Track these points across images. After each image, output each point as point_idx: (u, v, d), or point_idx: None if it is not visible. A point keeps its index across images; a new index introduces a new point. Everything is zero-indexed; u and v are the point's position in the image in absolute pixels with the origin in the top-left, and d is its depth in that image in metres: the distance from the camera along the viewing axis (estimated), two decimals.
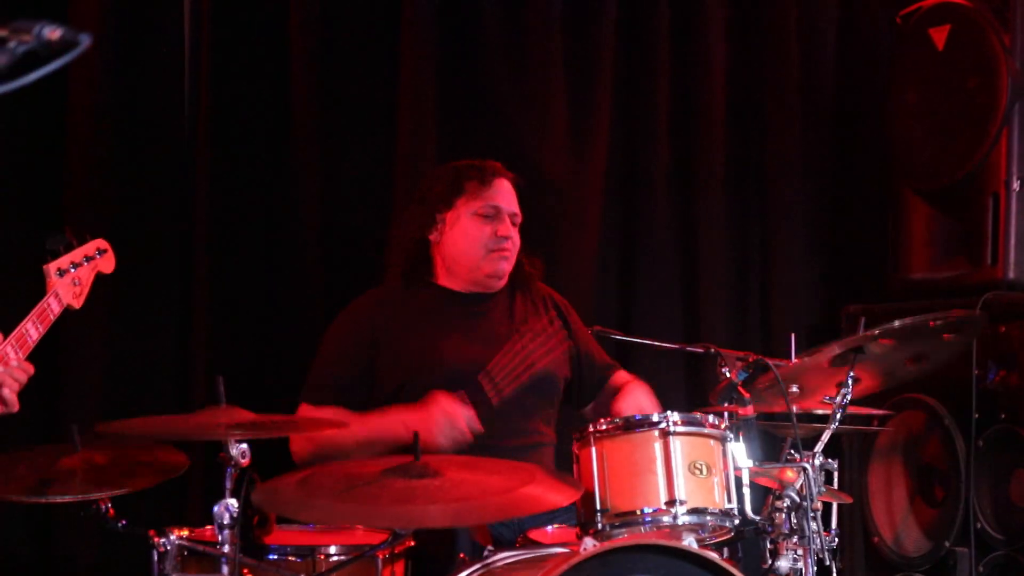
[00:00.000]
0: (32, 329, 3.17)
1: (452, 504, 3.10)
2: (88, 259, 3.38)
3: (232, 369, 3.84)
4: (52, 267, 3.29)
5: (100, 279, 3.50)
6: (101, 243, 3.42)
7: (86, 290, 3.36)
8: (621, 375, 4.28)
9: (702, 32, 5.06)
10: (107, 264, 3.44)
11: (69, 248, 3.34)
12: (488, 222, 4.11)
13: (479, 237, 4.10)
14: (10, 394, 3.10)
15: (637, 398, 4.09)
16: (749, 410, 3.59)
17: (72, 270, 3.32)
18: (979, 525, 4.63)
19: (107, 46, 4.24)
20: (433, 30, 4.71)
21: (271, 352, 4.50)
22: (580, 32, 4.93)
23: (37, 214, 4.25)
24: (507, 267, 4.11)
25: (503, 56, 4.82)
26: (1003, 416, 4.59)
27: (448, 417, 3.79)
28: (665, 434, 3.43)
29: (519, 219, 4.16)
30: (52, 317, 3.23)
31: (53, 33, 1.80)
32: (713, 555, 3.31)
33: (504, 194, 4.14)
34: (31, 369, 3.15)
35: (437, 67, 4.72)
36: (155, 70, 4.39)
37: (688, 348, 4.05)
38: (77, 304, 3.33)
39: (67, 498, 3.33)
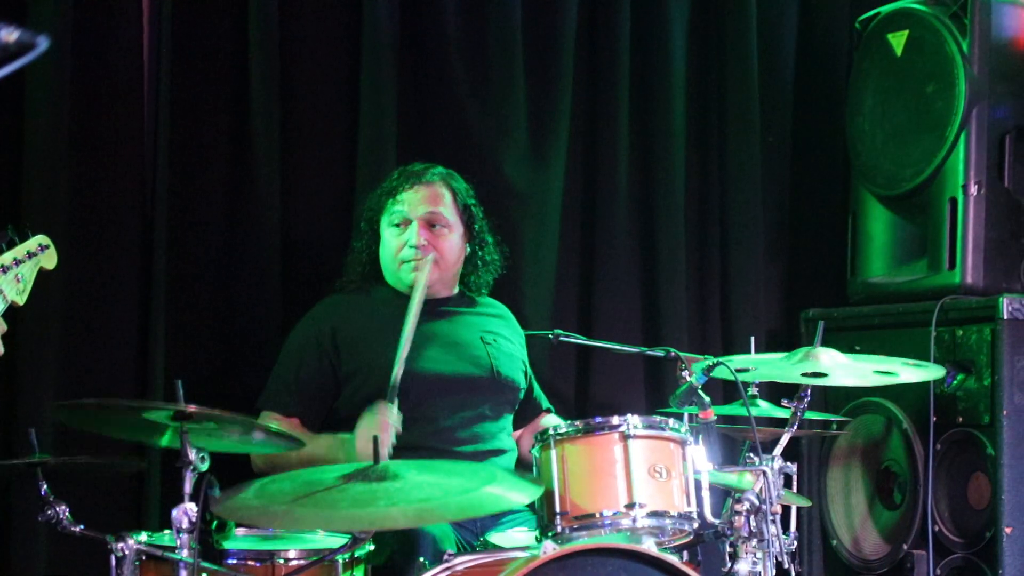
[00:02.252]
0: None
1: (413, 505, 3.09)
2: (31, 255, 3.35)
3: (191, 372, 3.84)
4: None
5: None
6: (43, 239, 3.39)
7: (29, 286, 3.34)
8: (550, 419, 4.30)
9: (662, 39, 5.08)
10: (49, 260, 3.41)
11: (12, 245, 3.31)
12: (398, 232, 4.11)
13: (389, 248, 4.11)
14: None
15: None
16: (709, 413, 3.61)
17: (15, 266, 3.28)
18: (936, 528, 4.66)
19: (64, 43, 4.20)
20: (394, 29, 4.70)
21: (230, 355, 4.48)
22: (541, 37, 4.93)
23: None
24: (420, 276, 4.05)
25: (464, 59, 4.82)
26: (960, 420, 4.62)
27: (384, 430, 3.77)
28: (625, 437, 3.44)
29: (443, 220, 4.13)
30: None
31: (10, 36, 1.79)
32: (673, 559, 3.31)
33: (416, 201, 4.12)
34: None
35: (398, 68, 4.71)
36: (114, 67, 4.36)
37: (649, 352, 4.07)
38: (20, 301, 3.30)
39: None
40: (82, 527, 3.35)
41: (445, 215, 4.15)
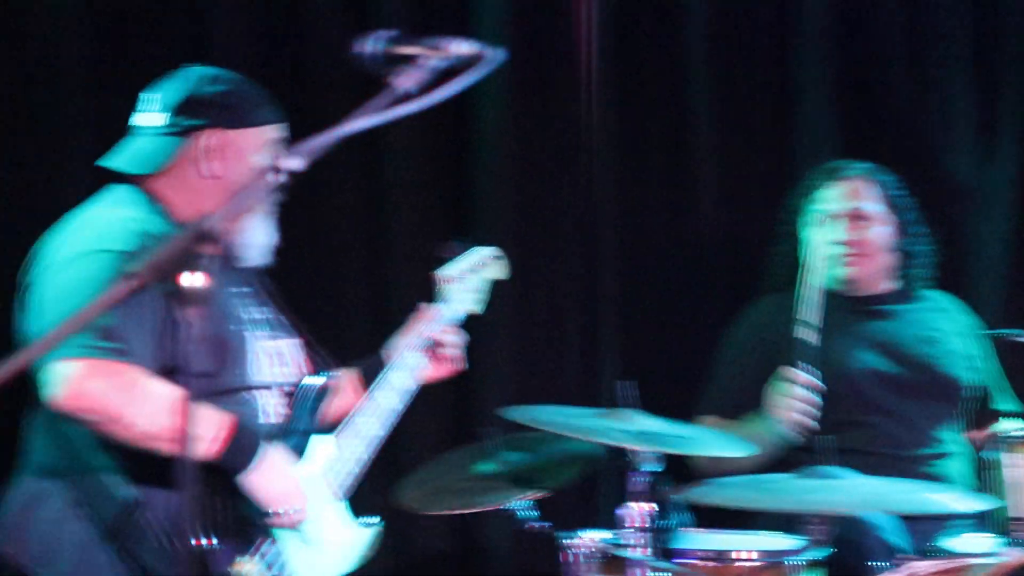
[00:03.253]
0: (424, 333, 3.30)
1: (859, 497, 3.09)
2: (482, 265, 3.47)
3: (639, 376, 3.88)
4: (443, 274, 3.39)
5: (504, 286, 3.60)
6: (494, 250, 3.51)
7: (482, 295, 3.46)
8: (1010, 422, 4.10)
9: None
10: (499, 270, 3.53)
11: (459, 255, 3.44)
12: (824, 229, 4.03)
13: (816, 245, 4.02)
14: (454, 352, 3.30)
15: None
16: None
17: (467, 277, 3.42)
18: None
19: (511, 57, 4.34)
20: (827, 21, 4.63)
21: (676, 359, 4.51)
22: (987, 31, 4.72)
23: (439, 223, 4.41)
24: (854, 272, 4.01)
25: (905, 51, 4.68)
26: None
27: None
28: None
29: (867, 214, 4.05)
30: (443, 323, 3.33)
31: (468, 49, 1.86)
32: None
33: (839, 197, 4.04)
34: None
35: (832, 63, 4.63)
36: (552, 76, 4.48)
37: None
38: (478, 310, 3.43)
39: (490, 506, 3.42)
40: (536, 523, 3.44)
41: (869, 209, 4.05)
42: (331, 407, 3.15)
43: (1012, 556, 3.17)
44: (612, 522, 3.36)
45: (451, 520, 4.30)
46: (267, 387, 3.01)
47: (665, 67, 4.60)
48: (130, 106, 3.04)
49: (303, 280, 4.20)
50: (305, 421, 3.05)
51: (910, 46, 4.69)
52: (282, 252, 4.08)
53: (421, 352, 3.28)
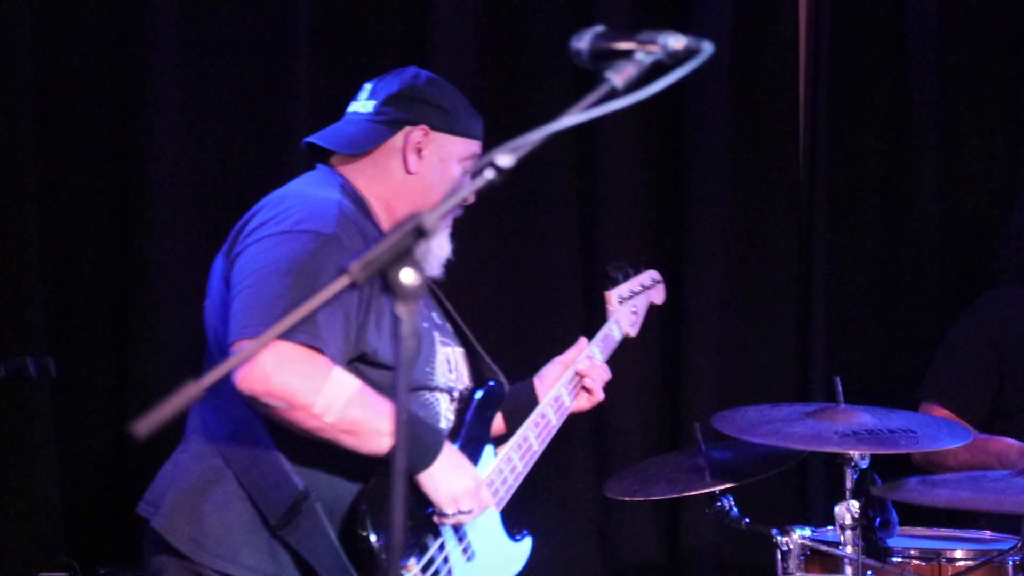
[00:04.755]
0: (598, 353, 3.27)
1: None
2: (644, 288, 3.45)
3: (850, 370, 3.83)
4: (613, 294, 3.38)
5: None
6: (655, 274, 3.48)
7: (641, 319, 3.43)
8: None
9: None
10: (659, 295, 3.50)
11: (628, 276, 3.41)
12: None
13: None
14: (595, 386, 3.20)
15: None
16: None
17: (631, 298, 3.39)
18: None
19: (723, 48, 4.31)
20: None
21: (889, 350, 4.44)
22: None
23: (651, 222, 4.40)
24: None
25: None
26: None
27: None
28: None
29: None
30: (613, 344, 3.31)
31: (678, 43, 1.86)
32: None
33: None
34: (608, 374, 3.25)
35: None
36: (770, 70, 4.44)
37: None
38: (633, 332, 3.39)
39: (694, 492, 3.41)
40: (747, 520, 3.42)
41: None
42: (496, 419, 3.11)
43: None
44: (823, 518, 3.33)
45: (658, 516, 4.30)
46: (446, 391, 2.97)
47: (884, 57, 4.52)
48: (349, 96, 3.07)
49: (510, 276, 4.25)
50: (477, 429, 2.99)
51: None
52: (492, 248, 4.16)
53: (577, 385, 3.19)
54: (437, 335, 2.98)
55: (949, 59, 4.52)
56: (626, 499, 3.54)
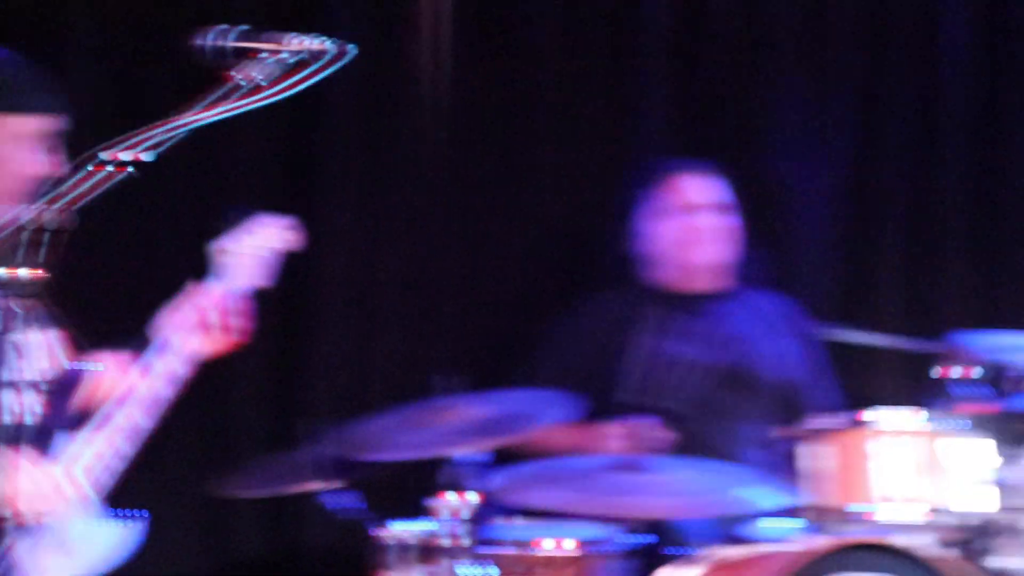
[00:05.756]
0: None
1: (672, 497, 3.14)
2: (260, 237, 3.21)
3: (469, 364, 3.90)
4: (219, 246, 3.19)
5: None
6: (277, 219, 3.31)
7: (265, 267, 3.26)
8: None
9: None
10: (283, 239, 3.28)
11: (238, 226, 3.21)
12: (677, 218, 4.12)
13: (662, 235, 4.11)
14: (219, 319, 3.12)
15: None
16: (989, 407, 3.53)
17: (242, 248, 3.17)
18: None
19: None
20: None
21: (508, 349, 4.54)
22: None
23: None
24: (700, 262, 4.11)
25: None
26: None
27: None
28: (886, 432, 3.41)
29: (713, 207, 4.14)
30: (217, 296, 3.14)
31: (311, 45, 1.85)
32: (943, 553, 3.27)
33: (687, 188, 4.14)
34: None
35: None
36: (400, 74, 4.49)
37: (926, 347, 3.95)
38: (258, 282, 3.22)
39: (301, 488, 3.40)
40: (349, 512, 3.42)
41: (714, 201, 4.16)
42: (91, 398, 2.99)
43: (810, 542, 3.29)
44: (427, 512, 3.39)
45: (267, 512, 4.27)
46: (12, 384, 2.85)
47: (512, 62, 4.61)
48: None
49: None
50: (50, 419, 2.89)
51: (743, 47, 4.79)
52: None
53: (190, 331, 3.05)
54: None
55: (562, 60, 4.64)
56: (237, 494, 3.50)
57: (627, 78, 4.66)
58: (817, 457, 3.47)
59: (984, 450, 3.47)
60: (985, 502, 3.46)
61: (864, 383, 4.67)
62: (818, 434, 3.48)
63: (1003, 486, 3.48)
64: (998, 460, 3.48)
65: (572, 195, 4.61)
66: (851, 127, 4.81)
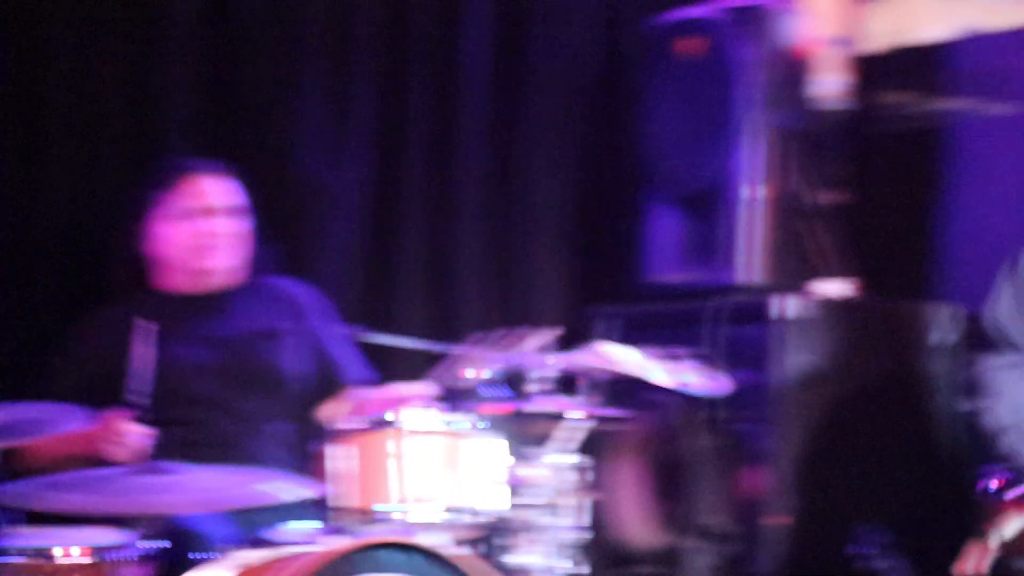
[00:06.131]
0: None
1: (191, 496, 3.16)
2: None
3: None
4: None
5: None
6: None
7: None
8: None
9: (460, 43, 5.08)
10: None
11: None
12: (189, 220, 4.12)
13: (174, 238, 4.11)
14: None
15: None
16: (504, 407, 3.67)
17: None
18: (709, 520, 4.79)
19: None
20: None
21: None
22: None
23: None
24: (210, 265, 4.12)
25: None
26: (732, 414, 4.75)
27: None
28: (406, 432, 3.49)
29: (222, 210, 4.14)
30: None
31: None
32: (462, 551, 3.37)
33: (198, 190, 4.14)
34: None
35: None
36: None
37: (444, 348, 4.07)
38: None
39: None
40: None
41: (224, 203, 4.16)
42: None
43: (333, 543, 3.33)
44: None
45: None
46: None
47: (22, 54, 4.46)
48: None
49: None
50: None
51: (267, 42, 4.79)
52: None
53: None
54: None
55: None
56: None
57: (146, 72, 4.60)
58: (340, 458, 3.53)
59: (500, 450, 3.61)
60: (501, 501, 3.60)
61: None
62: (340, 434, 3.53)
63: (517, 485, 3.64)
64: (512, 460, 3.63)
65: (84, 196, 4.52)
66: (374, 126, 4.93)
